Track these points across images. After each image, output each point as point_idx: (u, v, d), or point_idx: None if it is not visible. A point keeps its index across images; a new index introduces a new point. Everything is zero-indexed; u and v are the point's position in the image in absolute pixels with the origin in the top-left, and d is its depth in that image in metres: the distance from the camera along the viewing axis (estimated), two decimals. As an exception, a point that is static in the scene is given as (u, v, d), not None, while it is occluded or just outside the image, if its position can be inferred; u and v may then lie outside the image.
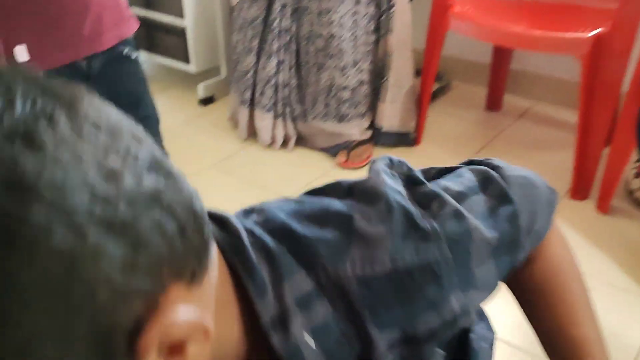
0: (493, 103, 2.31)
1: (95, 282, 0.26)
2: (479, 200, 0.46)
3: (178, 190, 0.31)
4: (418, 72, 2.04)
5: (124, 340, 0.28)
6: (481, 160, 0.52)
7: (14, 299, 0.24)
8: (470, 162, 0.53)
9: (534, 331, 0.53)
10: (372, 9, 1.91)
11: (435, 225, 0.42)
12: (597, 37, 1.68)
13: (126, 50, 1.22)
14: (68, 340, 0.26)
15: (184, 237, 0.30)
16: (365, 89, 1.98)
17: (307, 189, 0.46)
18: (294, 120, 2.08)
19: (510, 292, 0.54)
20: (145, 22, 2.49)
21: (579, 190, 1.77)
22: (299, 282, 0.38)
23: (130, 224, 0.27)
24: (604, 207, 1.73)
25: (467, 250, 0.43)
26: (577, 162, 1.75)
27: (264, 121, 2.06)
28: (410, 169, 0.48)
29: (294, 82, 2.02)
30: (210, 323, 0.31)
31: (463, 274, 0.42)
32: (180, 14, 2.31)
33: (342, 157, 1.98)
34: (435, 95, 2.32)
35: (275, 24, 1.93)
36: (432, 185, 0.46)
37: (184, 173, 0.33)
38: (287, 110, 2.05)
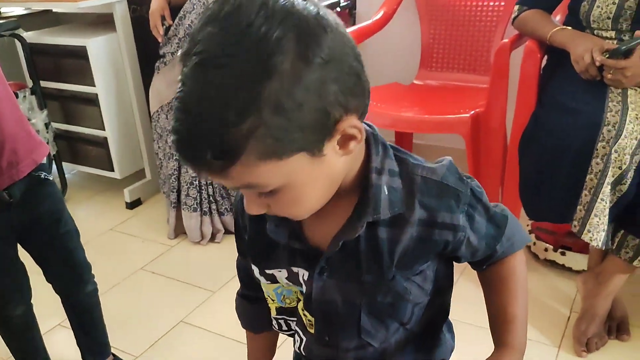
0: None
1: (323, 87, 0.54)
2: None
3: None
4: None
5: (332, 123, 0.55)
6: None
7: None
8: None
9: (487, 308, 0.78)
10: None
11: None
12: (476, 116, 1.92)
13: (43, 174, 1.31)
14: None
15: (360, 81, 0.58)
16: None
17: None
18: (220, 214, 2.20)
19: (481, 279, 0.80)
20: (67, 136, 2.58)
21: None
22: (393, 165, 0.67)
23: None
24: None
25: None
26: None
27: (191, 220, 2.17)
28: None
29: (215, 180, 2.15)
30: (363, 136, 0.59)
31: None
32: (100, 126, 2.42)
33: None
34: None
35: (192, 130, 2.07)
36: None
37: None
38: (213, 207, 2.18)
